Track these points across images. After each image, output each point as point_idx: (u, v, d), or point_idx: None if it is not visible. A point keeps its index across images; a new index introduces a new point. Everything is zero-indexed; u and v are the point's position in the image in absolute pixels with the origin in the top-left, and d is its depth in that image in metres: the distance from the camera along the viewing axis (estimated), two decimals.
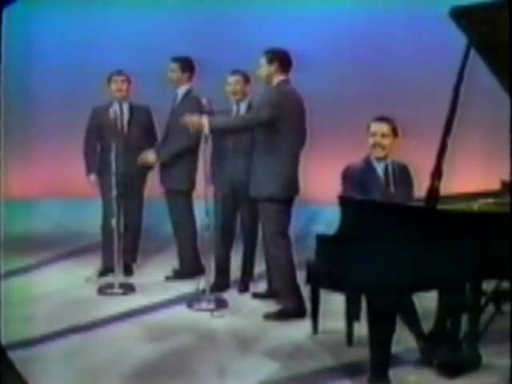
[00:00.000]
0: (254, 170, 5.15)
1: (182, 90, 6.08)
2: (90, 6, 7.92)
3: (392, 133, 4.55)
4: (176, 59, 6.07)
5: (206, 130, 5.06)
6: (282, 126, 5.00)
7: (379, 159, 4.57)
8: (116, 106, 6.11)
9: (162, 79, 6.12)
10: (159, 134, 6.28)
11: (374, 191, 4.46)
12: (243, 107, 5.62)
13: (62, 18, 8.10)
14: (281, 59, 5.11)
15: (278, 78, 5.11)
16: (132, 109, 6.20)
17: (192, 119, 5.17)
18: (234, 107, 5.65)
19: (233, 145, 5.55)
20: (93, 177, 6.17)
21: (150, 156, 6.09)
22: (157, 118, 6.34)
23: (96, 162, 6.18)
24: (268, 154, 5.04)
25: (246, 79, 5.62)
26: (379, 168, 4.58)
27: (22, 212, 7.67)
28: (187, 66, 6.08)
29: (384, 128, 4.54)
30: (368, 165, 4.57)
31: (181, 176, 6.05)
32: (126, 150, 5.96)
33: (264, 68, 5.11)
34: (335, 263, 3.92)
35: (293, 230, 5.31)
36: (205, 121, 5.06)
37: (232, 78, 5.62)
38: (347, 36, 7.45)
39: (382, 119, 4.58)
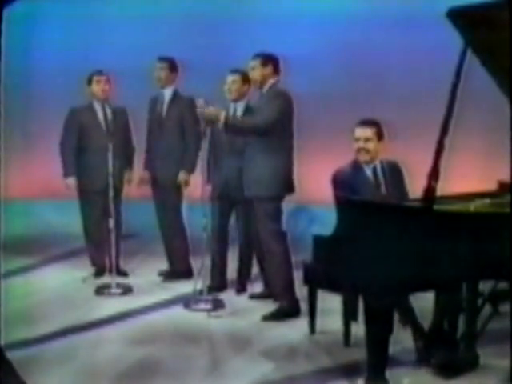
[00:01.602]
0: (250, 169, 5.16)
1: (169, 91, 6.08)
2: (90, 6, 7.89)
3: (376, 136, 4.54)
4: (164, 59, 6.08)
5: (221, 123, 5.02)
6: (276, 127, 5.02)
7: (367, 162, 4.57)
8: (99, 107, 6.11)
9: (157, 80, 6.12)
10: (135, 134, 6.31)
11: (363, 194, 4.44)
12: (240, 108, 5.59)
13: (62, 18, 8.06)
14: (274, 62, 5.18)
15: (271, 80, 5.15)
16: (113, 110, 6.15)
17: (210, 110, 5.11)
18: (231, 107, 5.62)
19: (228, 146, 5.54)
20: (71, 180, 6.04)
21: (186, 177, 6.01)
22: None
23: (74, 164, 6.06)
24: (262, 153, 5.06)
25: (245, 79, 5.55)
26: (368, 170, 4.58)
27: (22, 213, 7.64)
28: (174, 66, 6.10)
29: (367, 132, 4.53)
30: (356, 168, 4.58)
31: (173, 171, 6.03)
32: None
33: (258, 70, 5.14)
34: (332, 264, 3.92)
35: (288, 231, 5.30)
36: (222, 114, 5.04)
37: (229, 77, 5.59)
38: (340, 38, 7.40)
39: (365, 123, 4.57)
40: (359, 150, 4.54)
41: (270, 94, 5.14)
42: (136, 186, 6.27)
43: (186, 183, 6.07)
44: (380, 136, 4.57)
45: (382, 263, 3.65)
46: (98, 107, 6.12)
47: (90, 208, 6.13)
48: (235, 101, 5.60)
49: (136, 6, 7.87)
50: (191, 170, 6.03)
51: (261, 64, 5.14)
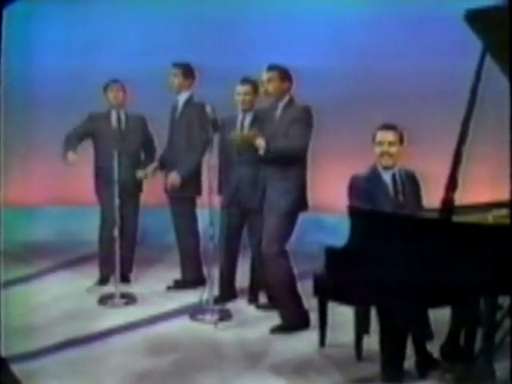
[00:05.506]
0: (268, 187, 5.02)
1: (183, 97, 6.04)
2: (90, 7, 7.86)
3: (398, 140, 4.44)
4: (178, 65, 6.04)
5: (261, 151, 4.90)
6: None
7: (387, 168, 4.44)
8: (114, 114, 6.14)
9: (162, 84, 6.09)
10: (157, 141, 6.29)
11: (382, 201, 4.32)
12: (249, 117, 5.54)
13: (63, 18, 8.04)
14: (291, 76, 5.07)
15: (289, 95, 5.05)
16: (128, 117, 6.18)
17: (247, 135, 5.07)
18: (240, 116, 5.58)
19: (238, 156, 5.45)
20: (71, 154, 5.94)
21: (176, 178, 5.90)
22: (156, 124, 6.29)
23: (75, 142, 6.04)
24: (281, 169, 4.93)
25: (255, 89, 5.51)
26: (387, 177, 4.43)
27: (23, 220, 7.59)
28: (189, 72, 6.05)
29: (390, 136, 4.41)
30: (375, 174, 4.43)
31: (185, 182, 5.94)
32: (125, 158, 5.89)
33: (275, 84, 5.02)
34: (345, 276, 3.85)
35: (293, 238, 5.17)
36: (261, 141, 4.91)
37: (241, 88, 5.53)
38: (351, 45, 7.36)
39: (387, 127, 4.45)
40: (382, 155, 4.40)
41: (296, 110, 5.00)
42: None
43: (173, 186, 5.92)
44: (402, 140, 4.46)
45: (397, 276, 3.58)
46: (113, 114, 6.16)
47: (104, 214, 6.10)
48: (246, 111, 5.54)
49: (136, 7, 7.82)
50: (184, 173, 5.90)
51: (279, 77, 5.03)
